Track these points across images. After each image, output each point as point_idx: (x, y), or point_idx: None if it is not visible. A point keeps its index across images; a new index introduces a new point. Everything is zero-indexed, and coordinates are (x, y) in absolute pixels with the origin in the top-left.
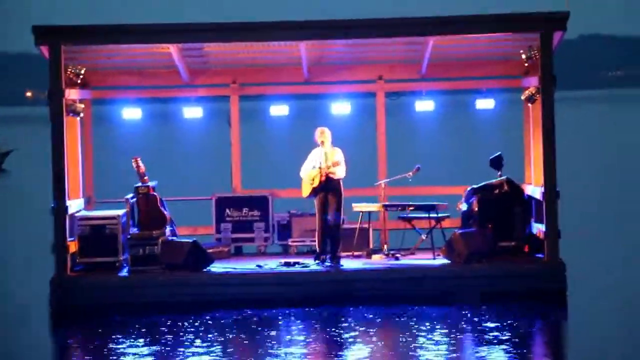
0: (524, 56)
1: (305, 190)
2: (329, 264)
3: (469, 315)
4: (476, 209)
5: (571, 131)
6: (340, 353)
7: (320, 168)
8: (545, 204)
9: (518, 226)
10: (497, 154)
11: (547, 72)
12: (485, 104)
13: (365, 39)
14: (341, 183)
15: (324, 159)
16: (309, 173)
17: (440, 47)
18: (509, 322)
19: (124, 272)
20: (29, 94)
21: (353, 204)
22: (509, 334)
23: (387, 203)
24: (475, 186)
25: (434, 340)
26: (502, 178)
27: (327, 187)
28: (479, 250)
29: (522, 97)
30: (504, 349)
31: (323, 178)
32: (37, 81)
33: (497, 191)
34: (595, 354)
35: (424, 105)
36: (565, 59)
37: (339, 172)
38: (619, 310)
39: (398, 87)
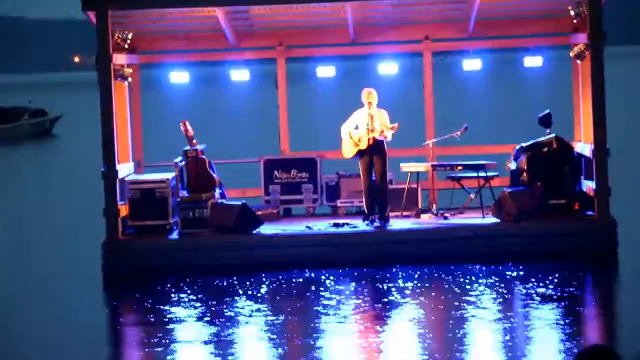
0: (572, 12)
1: (350, 151)
2: (377, 224)
3: (519, 273)
4: (525, 167)
5: (621, 88)
6: (391, 313)
7: (368, 130)
8: (595, 161)
9: (568, 184)
10: (546, 112)
11: (595, 28)
12: (533, 61)
13: None
14: (385, 144)
15: (369, 120)
16: (355, 134)
17: (487, 4)
18: (559, 280)
19: (174, 235)
20: (76, 59)
21: (401, 164)
22: (559, 293)
23: (435, 163)
24: (524, 144)
25: (483, 298)
26: (551, 136)
27: (373, 149)
28: (529, 208)
29: (571, 54)
30: (553, 307)
31: (372, 141)
32: (84, 46)
33: (546, 149)
34: None
35: (472, 64)
36: (616, 12)
37: (389, 134)
38: None
39: (445, 47)
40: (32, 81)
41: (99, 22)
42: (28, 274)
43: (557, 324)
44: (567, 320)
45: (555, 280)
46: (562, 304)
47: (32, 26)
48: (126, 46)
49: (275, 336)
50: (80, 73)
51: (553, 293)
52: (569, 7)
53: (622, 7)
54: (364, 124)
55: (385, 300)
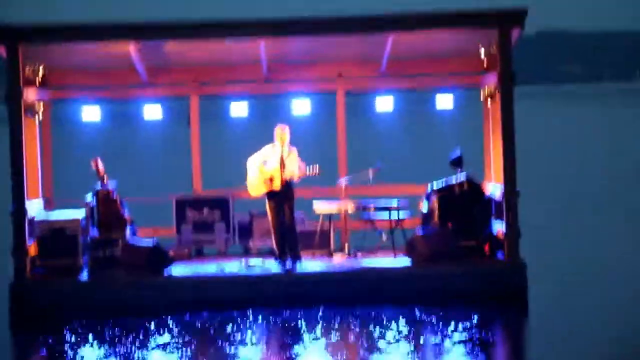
0: (483, 52)
1: (259, 189)
2: (289, 265)
3: (429, 316)
4: (436, 208)
5: (531, 127)
6: (297, 354)
7: (282, 170)
8: (505, 203)
9: (478, 225)
10: (457, 153)
11: (505, 68)
12: (445, 101)
13: (324, 36)
14: (294, 185)
15: (282, 159)
16: (265, 171)
17: (399, 44)
18: (469, 322)
19: (85, 275)
20: None
21: (314, 204)
22: (469, 335)
23: (350, 204)
24: (435, 185)
25: (393, 342)
26: (462, 176)
27: (285, 190)
28: (440, 250)
29: (482, 95)
30: (464, 350)
31: (283, 182)
32: None
33: (457, 190)
34: (554, 355)
35: (384, 103)
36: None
37: (298, 175)
38: (580, 310)
39: (358, 84)
40: None
41: (9, 56)
42: None
43: None
44: None
45: (466, 323)
46: (472, 346)
47: None
48: (37, 81)
49: None
50: None
51: (464, 336)
52: (480, 47)
53: (537, 46)
54: (276, 162)
55: (296, 342)
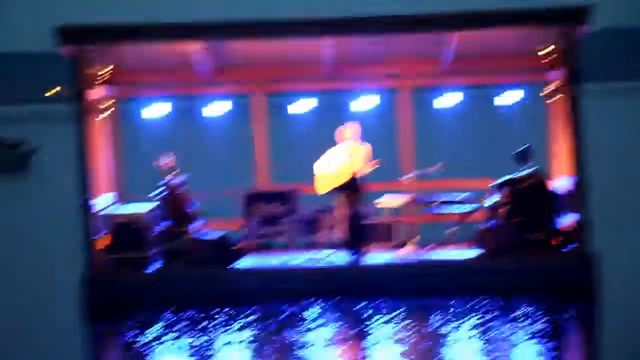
0: (548, 50)
1: (325, 187)
2: (355, 257)
3: (497, 308)
4: (504, 202)
5: (595, 123)
6: (370, 345)
7: (347, 166)
8: (575, 195)
9: (546, 219)
10: (524, 147)
11: (571, 66)
12: (509, 98)
13: (389, 35)
14: (363, 179)
15: (348, 155)
16: (332, 170)
17: (463, 42)
18: (538, 316)
19: (153, 268)
20: (56, 91)
21: (379, 199)
22: (539, 328)
23: (413, 197)
24: (502, 179)
25: (462, 334)
26: (529, 171)
27: (351, 185)
28: (507, 243)
29: (545, 92)
30: (534, 343)
31: (349, 176)
32: (64, 80)
33: (524, 184)
34: (627, 348)
35: (448, 101)
36: (591, 50)
37: (366, 170)
38: None
39: (421, 83)
40: (11, 114)
41: (76, 56)
42: (6, 308)
43: None
44: (551, 356)
45: (535, 316)
46: (542, 339)
47: (12, 59)
48: (104, 79)
49: None
50: (59, 106)
51: (533, 329)
52: (545, 45)
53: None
54: (342, 159)
55: (364, 334)
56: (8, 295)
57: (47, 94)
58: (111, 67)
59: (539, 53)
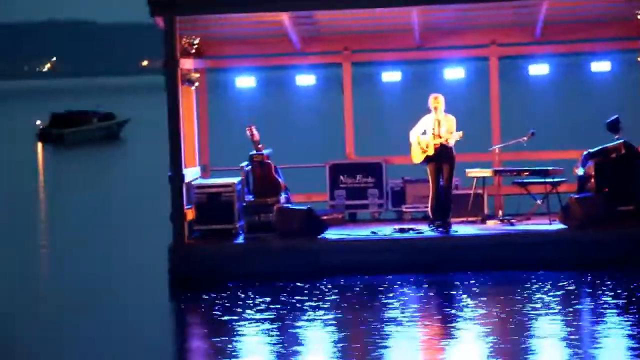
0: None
1: (418, 157)
2: (443, 229)
3: (587, 281)
4: (593, 173)
5: None
6: (459, 321)
7: (434, 135)
8: None
9: (636, 190)
10: (614, 117)
11: None
12: (601, 66)
13: (478, 3)
14: (454, 150)
15: (436, 125)
16: (422, 140)
17: (554, 9)
18: (627, 288)
19: (240, 239)
20: (145, 62)
21: (467, 170)
22: (627, 301)
23: (501, 168)
24: (591, 150)
25: (550, 307)
26: (619, 141)
27: (441, 155)
28: (596, 215)
29: (639, 59)
30: (622, 318)
31: (437, 146)
32: (152, 50)
33: (614, 155)
34: None
35: (539, 69)
36: None
37: (452, 141)
38: None
39: (511, 51)
40: (101, 84)
41: (166, 27)
42: (94, 275)
43: (629, 336)
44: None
45: (626, 289)
46: (630, 313)
47: (101, 30)
48: (193, 51)
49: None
50: (148, 77)
51: (620, 301)
52: (637, 12)
53: None
54: (431, 129)
55: (453, 306)
56: (102, 259)
57: (142, 65)
58: (200, 38)
59: (633, 20)
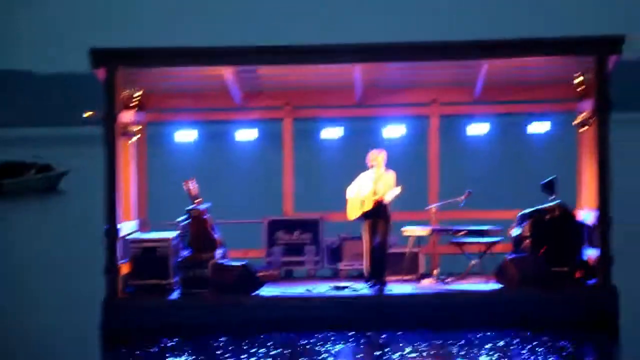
0: (578, 80)
1: (354, 213)
2: (378, 287)
3: (520, 342)
4: (528, 233)
5: (628, 154)
6: None
7: (372, 192)
8: (598, 229)
9: (571, 251)
10: (550, 178)
11: (601, 96)
12: (539, 127)
13: (419, 62)
14: (389, 207)
15: (373, 182)
16: (358, 196)
17: (495, 70)
18: (560, 349)
19: (175, 295)
20: (87, 114)
21: (403, 228)
22: None
23: (437, 227)
24: (526, 210)
25: None
26: (554, 202)
27: (377, 212)
28: (531, 275)
29: (576, 122)
30: None
31: (376, 203)
32: (92, 101)
33: (549, 216)
34: None
35: (478, 129)
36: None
37: (389, 197)
38: None
39: (452, 110)
40: (39, 135)
41: (107, 79)
42: (25, 328)
43: None
44: None
45: (557, 350)
46: None
47: (40, 80)
48: (134, 103)
49: None
50: (87, 128)
51: None
52: (575, 75)
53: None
54: (369, 185)
55: None
56: (35, 311)
57: (84, 116)
58: (142, 91)
59: (570, 82)
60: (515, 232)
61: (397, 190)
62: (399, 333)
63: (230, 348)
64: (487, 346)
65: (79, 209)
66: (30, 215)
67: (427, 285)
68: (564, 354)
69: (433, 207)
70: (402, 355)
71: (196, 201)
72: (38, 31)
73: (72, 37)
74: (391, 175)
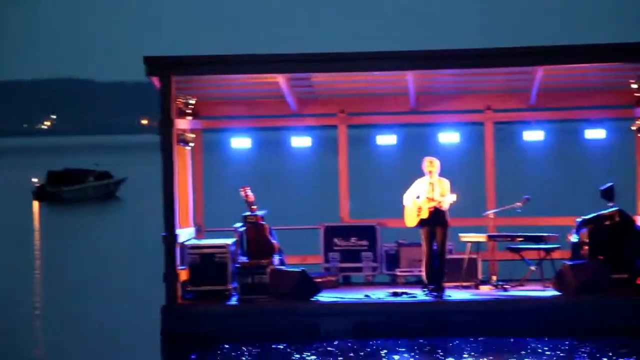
0: (634, 86)
1: (411, 221)
2: (436, 294)
3: (579, 349)
4: (587, 240)
5: None
6: None
7: (428, 199)
8: None
9: (630, 258)
10: (608, 185)
11: None
12: (595, 133)
13: (473, 69)
14: (447, 214)
15: (430, 189)
16: (415, 203)
17: (549, 76)
18: (621, 356)
19: (233, 301)
20: (144, 121)
21: (461, 234)
22: None
23: (495, 233)
24: (586, 217)
25: None
26: (613, 209)
27: (435, 219)
28: (590, 282)
29: (633, 128)
30: None
31: (431, 210)
32: (151, 109)
33: (608, 222)
34: None
35: (533, 135)
36: None
37: (446, 204)
38: None
39: (506, 117)
40: (99, 143)
41: (162, 87)
42: (88, 333)
43: None
44: None
45: (617, 357)
46: None
47: (100, 88)
48: (189, 111)
49: None
50: (145, 136)
51: None
52: (631, 80)
53: None
54: (424, 193)
55: None
56: (96, 318)
57: (141, 124)
58: (196, 98)
59: (627, 87)
60: (574, 238)
61: (454, 197)
62: (457, 340)
63: (288, 355)
64: (547, 353)
65: (137, 215)
66: (89, 222)
67: (485, 291)
68: None
69: (490, 213)
70: None
71: (252, 207)
72: (100, 39)
73: (132, 46)
74: (446, 182)
